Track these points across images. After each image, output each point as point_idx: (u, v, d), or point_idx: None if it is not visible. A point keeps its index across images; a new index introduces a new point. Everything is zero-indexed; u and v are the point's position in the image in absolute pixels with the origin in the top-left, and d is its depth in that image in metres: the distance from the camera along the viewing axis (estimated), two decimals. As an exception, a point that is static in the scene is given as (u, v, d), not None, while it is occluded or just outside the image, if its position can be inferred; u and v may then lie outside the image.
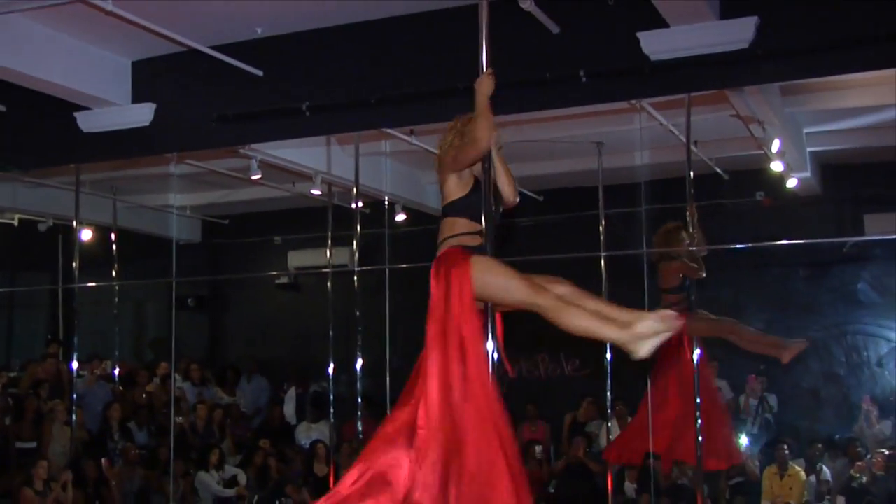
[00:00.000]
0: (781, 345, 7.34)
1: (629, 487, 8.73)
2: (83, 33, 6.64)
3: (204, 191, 10.80)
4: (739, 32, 5.43)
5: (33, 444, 9.44)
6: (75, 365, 9.45)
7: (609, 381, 7.85)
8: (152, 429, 10.26)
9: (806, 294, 9.44)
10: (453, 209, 4.12)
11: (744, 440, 9.03)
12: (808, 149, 8.78)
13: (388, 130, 7.30)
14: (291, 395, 11.31)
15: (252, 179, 8.22)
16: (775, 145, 7.67)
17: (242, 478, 9.61)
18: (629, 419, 8.56)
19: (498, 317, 4.15)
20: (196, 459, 9.65)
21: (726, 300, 8.65)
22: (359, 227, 8.48)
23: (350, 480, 3.94)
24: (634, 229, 7.69)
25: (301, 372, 11.35)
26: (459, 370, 3.84)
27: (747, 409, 9.16)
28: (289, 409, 11.27)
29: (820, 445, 8.83)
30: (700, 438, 7.09)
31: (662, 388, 7.42)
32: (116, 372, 10.89)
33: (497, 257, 4.11)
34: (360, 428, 8.49)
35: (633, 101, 6.68)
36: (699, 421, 7.11)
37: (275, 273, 11.90)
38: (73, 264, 9.34)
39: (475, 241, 4.06)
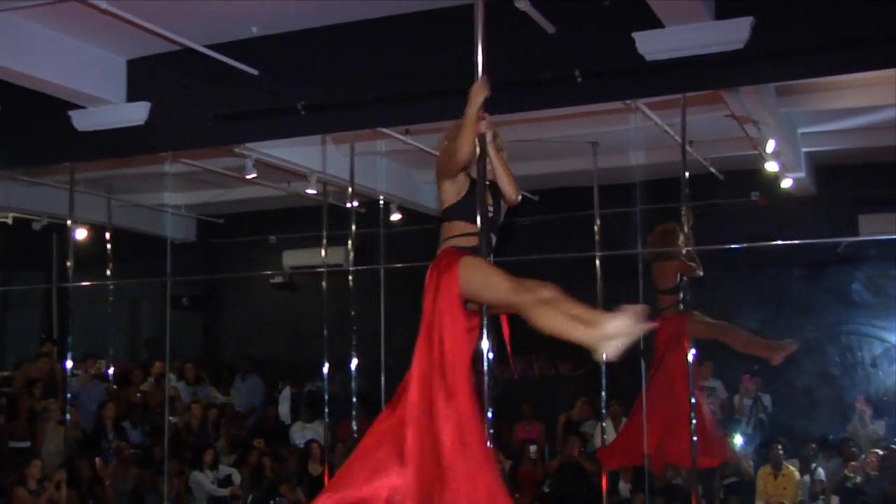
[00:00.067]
0: (772, 347, 7.41)
1: (623, 487, 8.74)
2: (78, 32, 6.62)
3: (199, 190, 10.79)
4: (735, 33, 5.43)
5: (27, 444, 9.41)
6: (69, 364, 9.42)
7: (604, 381, 7.86)
8: (146, 428, 10.24)
9: (800, 294, 9.46)
10: (450, 213, 4.17)
11: (738, 440, 9.05)
12: (803, 149, 8.80)
13: (384, 130, 7.30)
14: (286, 394, 11.31)
15: (247, 178, 8.22)
16: (770, 146, 7.68)
17: (237, 477, 9.61)
18: (623, 419, 8.58)
19: (504, 319, 4.16)
20: (190, 459, 9.64)
21: (721, 300, 8.67)
22: (354, 227, 8.47)
23: None
24: (629, 229, 7.69)
25: (296, 371, 11.35)
26: (439, 367, 3.89)
27: (741, 409, 9.18)
28: (283, 409, 11.26)
29: (814, 445, 8.84)
30: (695, 439, 7.12)
31: (653, 389, 7.43)
32: (111, 371, 10.87)
33: (494, 257, 4.14)
34: (354, 427, 8.48)
35: (629, 102, 6.68)
36: (694, 421, 7.13)
37: (270, 272, 11.89)
38: (68, 263, 9.32)
39: (471, 241, 4.10)
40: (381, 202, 9.47)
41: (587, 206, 8.18)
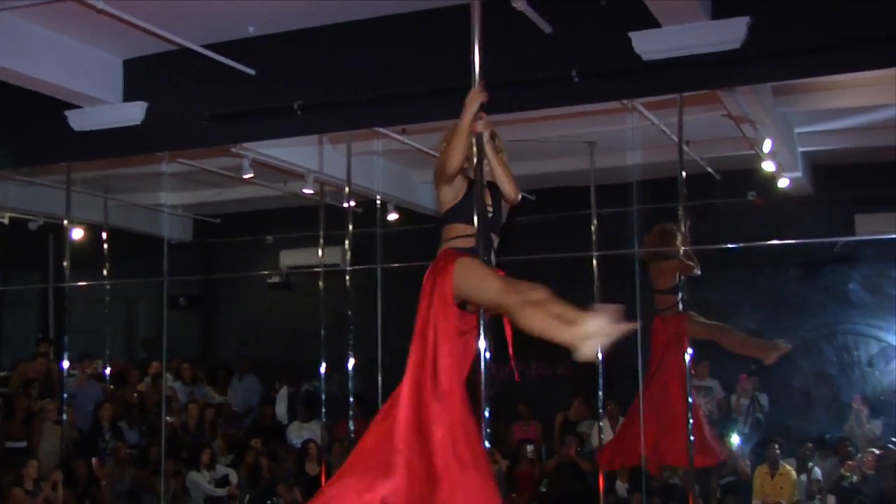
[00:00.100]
0: (766, 347, 7.45)
1: (620, 487, 8.74)
2: (74, 31, 6.61)
3: (196, 189, 10.79)
4: (731, 32, 5.43)
5: (23, 444, 9.40)
6: (66, 364, 9.42)
7: (601, 381, 7.86)
8: (143, 428, 10.23)
9: (797, 294, 9.47)
10: (449, 215, 4.21)
11: (735, 439, 9.05)
12: (800, 149, 8.80)
13: (381, 129, 7.29)
14: (283, 394, 11.30)
15: (244, 178, 8.21)
16: (767, 145, 7.69)
17: (234, 477, 9.60)
18: (620, 419, 8.58)
19: (506, 320, 4.17)
20: (187, 459, 9.63)
21: (718, 300, 8.67)
22: (351, 227, 8.47)
23: None
24: (626, 229, 7.69)
25: (293, 371, 11.34)
26: (432, 368, 3.94)
27: (738, 409, 9.18)
28: (280, 409, 11.25)
29: (810, 445, 8.85)
30: (692, 438, 7.12)
31: (652, 389, 7.43)
32: (107, 371, 10.86)
33: (497, 257, 4.19)
34: (351, 427, 8.48)
35: (625, 101, 6.68)
36: (691, 421, 7.14)
37: (267, 272, 11.88)
38: (64, 263, 9.31)
39: (469, 243, 4.12)
40: (378, 202, 9.47)
41: (584, 205, 8.18)
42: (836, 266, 9.22)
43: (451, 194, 4.18)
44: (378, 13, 6.34)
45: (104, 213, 10.53)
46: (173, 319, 10.70)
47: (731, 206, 8.90)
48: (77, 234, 10.02)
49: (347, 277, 8.42)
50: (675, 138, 7.24)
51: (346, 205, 8.44)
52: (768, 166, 8.05)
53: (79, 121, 7.23)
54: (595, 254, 7.96)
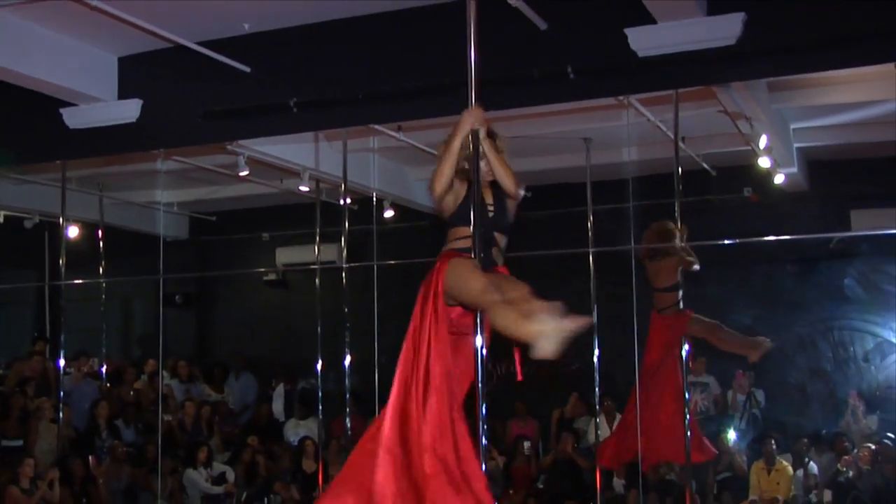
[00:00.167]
0: (750, 344, 7.50)
1: (617, 483, 8.75)
2: (69, 29, 6.60)
3: (191, 187, 10.78)
4: (726, 29, 5.43)
5: (19, 443, 9.38)
6: (62, 362, 9.42)
7: (597, 378, 7.86)
8: (140, 426, 10.22)
9: (793, 290, 9.47)
10: (452, 219, 4.26)
11: (731, 435, 9.06)
12: (795, 145, 8.81)
13: (376, 127, 7.29)
14: (280, 391, 11.30)
15: (240, 176, 8.20)
16: (762, 141, 7.70)
17: (231, 475, 9.59)
18: (617, 415, 8.59)
19: None
20: (184, 457, 9.63)
21: (713, 296, 8.67)
22: (347, 224, 8.47)
23: None
24: (622, 225, 7.69)
25: (289, 368, 11.33)
26: (425, 368, 3.99)
27: (735, 405, 9.19)
28: (277, 406, 11.25)
29: (807, 440, 8.87)
30: (689, 434, 7.14)
31: (651, 386, 7.44)
32: (104, 369, 10.84)
33: (508, 253, 4.27)
34: (348, 424, 8.49)
35: (621, 98, 6.69)
36: (688, 418, 7.16)
37: (263, 270, 11.88)
38: (60, 261, 9.32)
39: (469, 244, 4.15)
40: (374, 199, 9.46)
41: (580, 202, 8.18)
42: (831, 262, 9.23)
43: (452, 199, 4.22)
44: (374, 10, 6.33)
45: (100, 211, 10.52)
46: (169, 317, 10.70)
47: (726, 202, 8.91)
48: (73, 232, 10.02)
49: (343, 274, 8.41)
50: (671, 134, 7.26)
51: (342, 202, 8.44)
52: (764, 162, 8.05)
53: (74, 118, 7.22)
54: (591, 250, 7.96)
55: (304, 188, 8.86)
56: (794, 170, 8.86)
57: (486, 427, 3.98)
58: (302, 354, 9.97)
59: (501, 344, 4.11)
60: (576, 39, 5.90)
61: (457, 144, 4.10)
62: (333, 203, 8.86)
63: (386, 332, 8.87)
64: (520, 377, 4.37)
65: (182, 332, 12.40)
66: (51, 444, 9.30)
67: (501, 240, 4.31)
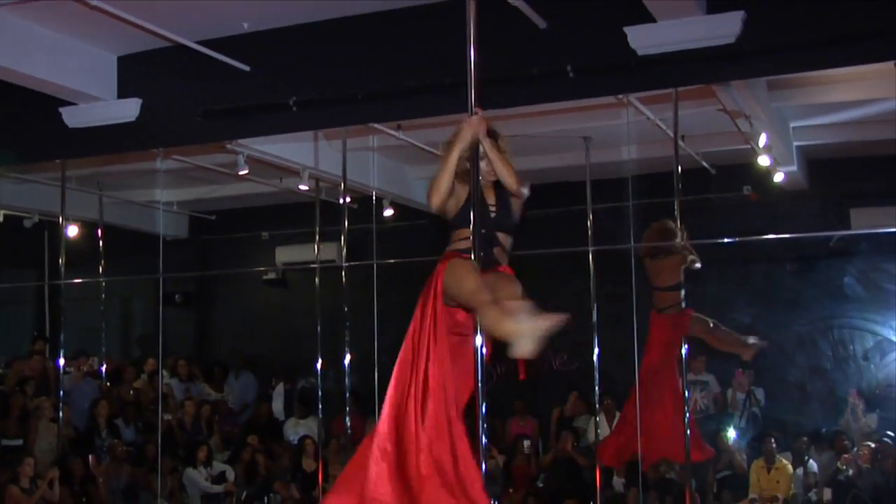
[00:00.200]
0: (743, 343, 7.51)
1: (617, 482, 8.75)
2: (68, 28, 6.60)
3: (191, 186, 10.77)
4: (726, 27, 5.43)
5: (19, 442, 9.38)
6: (62, 361, 9.42)
7: (597, 376, 7.86)
8: (139, 425, 10.22)
9: (792, 288, 9.47)
10: (455, 221, 4.27)
11: (731, 434, 9.06)
12: (795, 143, 8.81)
13: (376, 125, 7.29)
14: (279, 390, 11.30)
15: (239, 175, 8.19)
16: (762, 140, 7.70)
17: (230, 474, 9.60)
18: (617, 414, 8.58)
19: None
20: (184, 456, 9.63)
21: (713, 295, 8.68)
22: (346, 223, 8.47)
23: None
24: (622, 224, 7.69)
25: (289, 368, 11.34)
26: (423, 367, 4.03)
27: (734, 404, 9.19)
28: (277, 405, 11.25)
29: (806, 439, 8.87)
30: (689, 432, 7.15)
31: (652, 384, 7.44)
32: (103, 368, 10.84)
33: (515, 252, 4.31)
34: (348, 423, 8.49)
35: (621, 96, 6.69)
36: (687, 416, 7.16)
37: (262, 269, 11.87)
38: (60, 260, 9.31)
39: (470, 244, 4.15)
40: (374, 198, 9.46)
41: (580, 200, 8.18)
42: (831, 260, 9.22)
43: (454, 203, 4.24)
44: (373, 9, 6.33)
45: (99, 211, 10.52)
46: (169, 316, 10.70)
47: (726, 200, 8.91)
48: (72, 231, 10.01)
49: (343, 273, 8.41)
50: (671, 133, 7.26)
51: (341, 201, 8.43)
52: (763, 161, 8.06)
53: (73, 118, 7.22)
54: (591, 249, 7.96)
55: (303, 187, 8.86)
56: (794, 168, 8.86)
57: (485, 426, 3.98)
58: (302, 353, 9.97)
59: (502, 343, 4.12)
60: (575, 38, 5.90)
61: (455, 156, 4.11)
62: (333, 202, 8.86)
63: (386, 330, 8.87)
64: (522, 376, 4.39)
65: (182, 332, 12.40)
66: (51, 443, 9.30)
67: (506, 239, 4.32)
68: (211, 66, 6.62)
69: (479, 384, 3.98)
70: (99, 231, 10.40)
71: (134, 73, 7.10)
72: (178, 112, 7.00)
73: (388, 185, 9.60)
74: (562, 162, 9.02)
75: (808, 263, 9.33)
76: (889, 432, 8.66)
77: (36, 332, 11.54)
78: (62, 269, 9.38)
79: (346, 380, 8.32)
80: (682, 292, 7.33)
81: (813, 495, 8.55)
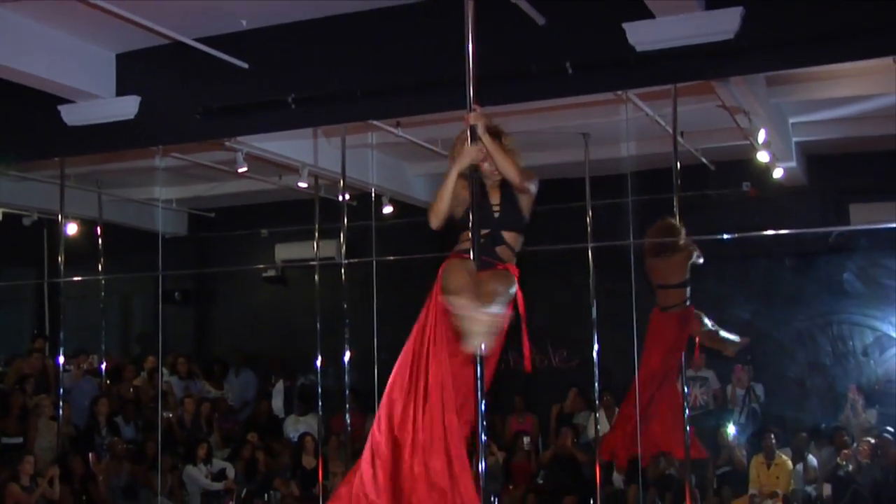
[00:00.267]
0: (724, 339, 7.54)
1: (617, 478, 8.75)
2: (67, 26, 6.59)
3: (190, 184, 10.77)
4: (725, 23, 5.43)
5: (19, 440, 9.39)
6: (61, 360, 9.42)
7: (597, 373, 7.86)
8: (139, 423, 10.22)
9: (792, 284, 9.48)
10: (462, 222, 4.32)
11: (731, 430, 9.07)
12: (794, 139, 8.81)
13: (375, 122, 7.29)
14: (279, 388, 11.30)
15: (238, 172, 8.20)
16: (761, 136, 7.69)
17: (230, 471, 9.59)
18: (616, 410, 8.58)
19: (522, 312, 4.25)
20: (184, 453, 9.62)
21: (712, 291, 8.68)
22: (346, 220, 8.46)
23: None
24: (621, 221, 7.69)
25: (289, 365, 11.34)
26: (425, 366, 4.09)
27: (734, 399, 9.20)
28: (277, 403, 11.25)
29: (806, 434, 8.88)
30: (689, 429, 7.16)
31: (654, 380, 7.43)
32: (103, 366, 10.84)
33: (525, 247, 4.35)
34: (348, 421, 8.50)
35: (619, 92, 6.68)
36: (686, 412, 7.16)
37: (262, 266, 11.87)
38: (59, 258, 9.31)
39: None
40: (373, 195, 9.45)
41: (579, 197, 8.18)
42: (830, 256, 9.23)
43: (462, 206, 4.27)
44: (372, 6, 6.33)
45: (98, 208, 10.52)
46: (168, 314, 10.70)
47: (725, 196, 8.91)
48: (71, 229, 10.01)
49: (343, 270, 8.41)
50: (670, 129, 7.26)
51: (340, 198, 8.43)
52: (763, 157, 8.05)
53: (72, 115, 7.21)
54: (590, 245, 7.95)
55: (302, 184, 8.85)
56: (793, 164, 8.86)
57: (485, 423, 3.98)
58: (301, 351, 9.97)
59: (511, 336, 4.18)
60: (574, 34, 5.90)
61: (453, 178, 4.18)
62: (332, 199, 8.85)
63: (385, 327, 8.87)
64: (528, 368, 4.43)
65: (181, 329, 12.40)
66: (51, 441, 9.30)
67: (513, 238, 4.34)
68: (210, 64, 6.62)
69: (479, 382, 3.98)
70: (98, 229, 10.40)
71: (133, 71, 7.10)
72: (176, 109, 6.99)
73: (387, 181, 9.60)
74: (561, 158, 9.02)
75: (808, 259, 9.33)
76: (889, 428, 8.67)
77: (35, 330, 11.54)
78: (61, 267, 9.38)
79: (346, 377, 8.32)
80: (688, 290, 7.30)
81: (812, 491, 8.56)
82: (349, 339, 8.33)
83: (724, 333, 7.71)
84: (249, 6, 6.33)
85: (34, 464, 8.52)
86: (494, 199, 4.32)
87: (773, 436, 8.65)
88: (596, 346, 7.75)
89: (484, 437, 3.99)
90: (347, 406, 8.43)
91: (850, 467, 8.35)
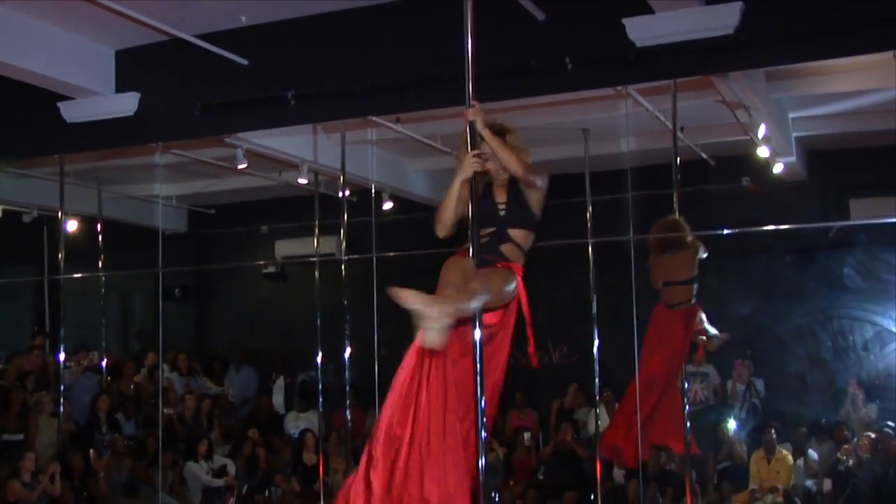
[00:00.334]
0: (711, 335, 7.57)
1: (618, 474, 8.76)
2: (66, 23, 6.59)
3: (190, 180, 10.76)
4: (724, 18, 5.43)
5: (20, 437, 9.40)
6: (62, 356, 9.42)
7: (597, 368, 7.86)
8: (140, 420, 10.23)
9: (792, 279, 9.48)
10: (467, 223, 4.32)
11: (732, 425, 9.08)
12: (794, 134, 8.81)
13: (375, 118, 7.28)
14: (280, 384, 11.31)
15: (238, 169, 8.19)
16: (761, 131, 7.69)
17: (231, 468, 9.61)
18: (617, 405, 8.58)
19: (526, 309, 4.27)
20: (184, 450, 9.63)
21: (712, 287, 8.68)
22: (346, 216, 8.47)
23: None
24: (621, 216, 7.69)
25: (289, 361, 11.34)
26: (429, 365, 4.07)
27: (735, 395, 9.20)
28: (277, 399, 11.26)
29: (806, 429, 8.89)
30: (689, 425, 7.16)
31: (652, 378, 7.42)
32: (103, 363, 10.85)
33: (513, 250, 4.32)
34: (348, 417, 8.50)
35: (619, 88, 6.68)
36: (686, 408, 7.16)
37: (262, 262, 11.87)
38: (59, 255, 9.31)
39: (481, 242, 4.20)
40: (373, 191, 9.45)
41: (579, 192, 8.17)
42: (830, 251, 9.23)
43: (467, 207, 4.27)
44: (371, 2, 6.32)
45: (98, 205, 10.52)
46: (169, 311, 10.70)
47: (725, 191, 8.90)
48: (71, 226, 10.01)
49: (343, 267, 8.42)
50: (669, 125, 7.25)
51: (340, 194, 8.43)
52: (762, 152, 8.05)
53: (71, 112, 7.21)
54: (590, 241, 7.95)
55: (302, 181, 8.85)
56: (793, 159, 8.85)
57: (485, 419, 3.98)
58: (302, 347, 9.97)
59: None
60: (574, 30, 5.90)
61: (456, 188, 4.17)
62: (332, 195, 8.85)
63: (385, 324, 8.88)
64: (535, 365, 4.44)
65: (181, 326, 12.40)
66: (51, 438, 9.31)
67: (521, 235, 4.33)
68: (209, 60, 6.62)
69: (479, 380, 3.97)
70: (98, 226, 10.41)
71: (132, 68, 7.09)
72: (176, 106, 6.99)
73: (387, 178, 9.59)
74: (561, 154, 9.00)
75: (808, 254, 9.33)
76: (889, 422, 8.67)
77: (36, 327, 11.55)
78: (61, 264, 9.38)
79: (347, 373, 8.33)
80: (696, 287, 7.26)
81: (813, 486, 8.56)
82: (349, 335, 8.34)
83: (708, 327, 7.70)
84: (249, 3, 6.33)
85: (35, 460, 8.54)
86: (500, 197, 4.32)
87: (773, 431, 8.66)
88: (596, 342, 7.75)
89: (484, 434, 3.99)
90: (348, 402, 8.44)
91: (851, 462, 8.36)
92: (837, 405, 9.13)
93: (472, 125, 4.13)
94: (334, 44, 6.50)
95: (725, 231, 7.84)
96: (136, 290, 12.36)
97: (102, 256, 10.26)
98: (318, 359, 8.60)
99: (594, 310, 7.80)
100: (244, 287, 12.51)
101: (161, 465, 9.01)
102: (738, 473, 8.74)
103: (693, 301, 7.30)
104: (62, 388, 9.29)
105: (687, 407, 7.20)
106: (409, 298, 3.66)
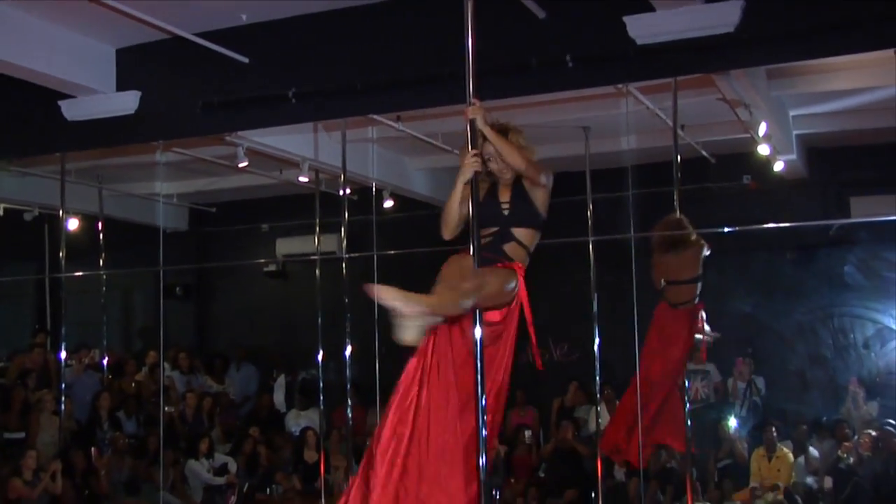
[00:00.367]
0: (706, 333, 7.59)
1: (618, 471, 8.76)
2: (67, 21, 6.59)
3: (191, 179, 10.76)
4: (725, 16, 5.42)
5: (21, 435, 9.41)
6: (63, 354, 9.43)
7: (598, 366, 7.87)
8: (141, 418, 10.25)
9: (792, 277, 9.48)
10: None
11: (732, 423, 9.08)
12: (795, 132, 8.80)
13: (375, 117, 7.28)
14: (281, 382, 11.32)
15: (239, 167, 8.19)
16: (762, 129, 7.69)
17: (232, 465, 9.62)
18: (617, 403, 8.59)
19: (527, 308, 4.26)
20: (185, 448, 9.65)
21: (713, 284, 8.67)
22: (346, 214, 8.47)
23: None
24: (622, 214, 7.69)
25: (290, 359, 11.35)
26: (435, 365, 4.16)
27: (735, 393, 9.20)
28: (278, 397, 11.27)
29: (807, 427, 8.90)
30: (689, 423, 7.16)
31: (653, 377, 7.42)
32: (105, 361, 10.85)
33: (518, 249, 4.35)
34: (349, 415, 8.51)
35: (620, 86, 6.68)
36: (686, 406, 7.17)
37: (263, 261, 11.88)
38: (60, 253, 9.31)
39: (484, 242, 4.21)
40: (374, 189, 9.46)
41: (579, 190, 8.17)
42: (831, 249, 9.23)
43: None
44: (372, 0, 6.32)
45: (99, 203, 10.52)
46: (170, 309, 10.70)
47: (726, 189, 8.91)
48: (72, 224, 10.02)
49: (344, 265, 8.41)
50: (670, 122, 7.25)
51: (341, 192, 8.43)
52: (763, 150, 8.05)
53: (72, 110, 7.21)
54: (591, 239, 7.95)
55: (303, 179, 8.86)
56: (794, 157, 8.85)
57: (485, 418, 3.98)
58: (302, 345, 9.98)
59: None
60: (574, 28, 5.89)
61: (458, 191, 4.18)
62: (333, 193, 8.85)
63: (386, 322, 8.87)
64: (539, 366, 4.44)
65: (182, 324, 12.41)
66: (53, 436, 9.32)
67: (526, 234, 4.33)
68: (210, 59, 6.61)
69: (479, 379, 3.98)
70: (99, 224, 10.41)
71: (133, 66, 7.09)
72: (177, 104, 6.99)
73: (387, 176, 9.59)
74: (561, 152, 9.00)
75: (808, 252, 9.33)
76: (890, 420, 8.68)
77: (37, 325, 11.55)
78: (63, 263, 9.38)
79: (347, 371, 8.33)
80: (700, 286, 7.24)
81: (814, 483, 8.57)
82: (350, 333, 8.34)
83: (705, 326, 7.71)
84: (249, 1, 6.32)
85: (36, 459, 8.54)
86: (504, 196, 4.32)
87: (774, 429, 8.67)
88: (597, 340, 7.75)
89: (484, 433, 4.00)
90: (349, 400, 8.44)
91: (852, 460, 8.36)
92: (838, 403, 9.14)
93: (472, 123, 4.13)
94: (335, 42, 6.50)
95: (726, 229, 7.83)
96: (138, 288, 12.37)
97: (103, 254, 10.26)
98: (319, 357, 8.61)
99: (595, 308, 7.80)
100: (245, 285, 12.51)
101: (162, 463, 9.01)
102: (738, 471, 8.75)
103: (696, 300, 7.28)
104: (63, 386, 9.29)
105: (688, 405, 7.20)
106: (385, 295, 3.64)
